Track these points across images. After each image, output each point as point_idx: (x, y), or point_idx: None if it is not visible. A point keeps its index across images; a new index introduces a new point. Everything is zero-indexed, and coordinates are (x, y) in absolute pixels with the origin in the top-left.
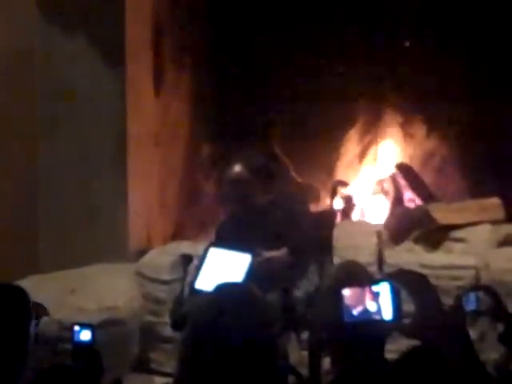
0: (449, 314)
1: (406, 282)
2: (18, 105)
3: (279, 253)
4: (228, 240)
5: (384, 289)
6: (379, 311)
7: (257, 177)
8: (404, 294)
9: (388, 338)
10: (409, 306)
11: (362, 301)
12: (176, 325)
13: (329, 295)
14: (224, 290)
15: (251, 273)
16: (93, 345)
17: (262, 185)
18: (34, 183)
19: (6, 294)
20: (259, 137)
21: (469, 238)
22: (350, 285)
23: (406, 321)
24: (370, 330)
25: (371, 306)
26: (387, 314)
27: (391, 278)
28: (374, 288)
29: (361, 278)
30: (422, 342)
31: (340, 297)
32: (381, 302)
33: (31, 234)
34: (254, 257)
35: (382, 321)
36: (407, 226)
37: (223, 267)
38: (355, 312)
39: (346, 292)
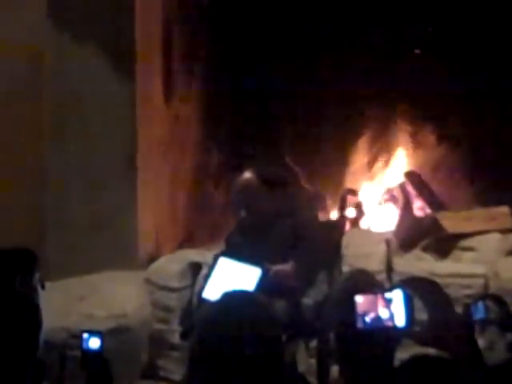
0: (457, 322)
1: (419, 289)
2: (28, 112)
3: (287, 266)
4: (237, 250)
5: (397, 296)
6: (392, 318)
7: (266, 186)
8: (416, 302)
9: (399, 346)
10: (420, 314)
11: (374, 308)
12: (185, 335)
13: (341, 302)
14: (230, 297)
15: (261, 287)
16: (102, 352)
17: (270, 194)
18: (43, 191)
19: (16, 303)
20: (270, 145)
21: (478, 246)
22: (362, 292)
23: (418, 328)
24: (383, 336)
25: (384, 313)
26: (400, 320)
27: (404, 284)
28: (387, 295)
29: (370, 286)
30: (434, 348)
31: (353, 303)
32: (393, 308)
33: (40, 242)
34: (264, 272)
35: (395, 327)
36: (416, 234)
37: (232, 278)
38: (368, 319)
39: (359, 299)
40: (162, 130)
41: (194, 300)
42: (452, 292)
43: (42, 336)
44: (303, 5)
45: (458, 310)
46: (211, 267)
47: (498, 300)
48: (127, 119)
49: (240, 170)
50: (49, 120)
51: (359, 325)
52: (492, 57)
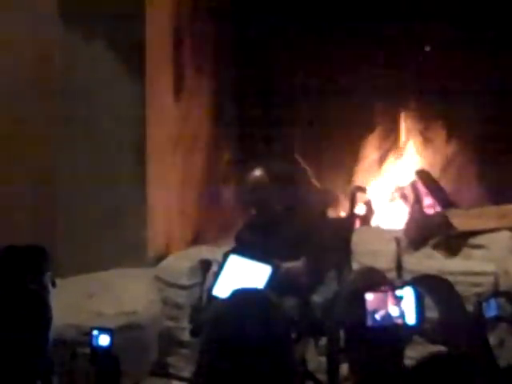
0: (470, 320)
1: (430, 286)
2: (38, 110)
3: (297, 263)
4: (247, 248)
5: (407, 293)
6: (402, 315)
7: (276, 182)
8: (427, 300)
9: (408, 343)
10: (431, 312)
11: (384, 305)
12: (195, 332)
13: (351, 300)
14: (240, 295)
15: (271, 284)
16: (111, 349)
17: (280, 191)
18: (53, 188)
19: (27, 300)
20: (279, 142)
21: (488, 244)
22: (372, 289)
23: (429, 326)
24: (393, 334)
25: (394, 311)
26: (410, 318)
27: (415, 282)
28: (397, 292)
29: (380, 284)
30: (445, 346)
31: (363, 301)
32: (404, 306)
33: (50, 239)
34: (275, 269)
35: (405, 325)
36: (426, 232)
37: (242, 276)
38: (378, 316)
39: (369, 296)
40: (172, 128)
41: (204, 297)
42: (462, 290)
43: (52, 333)
44: (314, 2)
45: (468, 307)
46: (221, 264)
47: (511, 297)
48: (137, 117)
49: (250, 167)
50: (59, 118)
51: (369, 322)
52: (504, 53)
